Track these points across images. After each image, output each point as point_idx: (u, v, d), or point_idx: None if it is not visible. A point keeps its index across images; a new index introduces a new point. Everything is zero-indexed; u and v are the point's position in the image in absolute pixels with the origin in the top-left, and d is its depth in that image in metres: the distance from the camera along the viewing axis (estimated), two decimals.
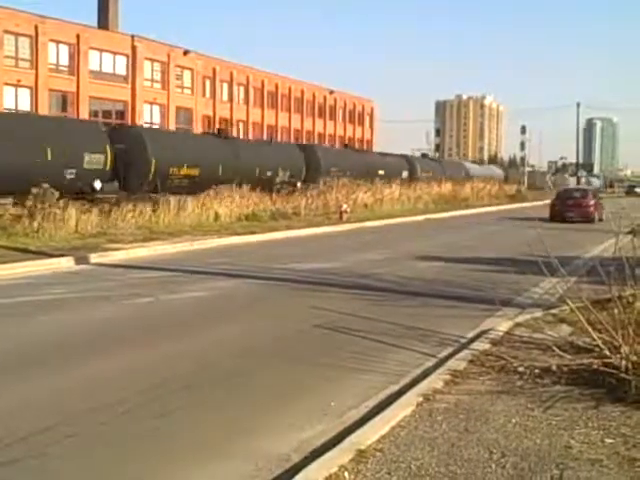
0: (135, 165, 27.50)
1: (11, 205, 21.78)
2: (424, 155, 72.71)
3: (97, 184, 25.91)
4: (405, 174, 52.89)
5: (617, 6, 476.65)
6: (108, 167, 26.65)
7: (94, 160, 26.17)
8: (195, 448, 5.72)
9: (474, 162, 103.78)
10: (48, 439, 5.74)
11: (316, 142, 71.35)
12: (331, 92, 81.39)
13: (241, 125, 66.42)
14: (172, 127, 53.40)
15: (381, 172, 47.53)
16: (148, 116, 54.09)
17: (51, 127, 26.86)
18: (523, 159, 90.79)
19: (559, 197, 37.52)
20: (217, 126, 55.11)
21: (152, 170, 27.94)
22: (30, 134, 24.33)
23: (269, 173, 35.54)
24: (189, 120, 58.09)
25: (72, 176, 25.11)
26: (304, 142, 66.83)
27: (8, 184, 21.91)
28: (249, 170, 33.21)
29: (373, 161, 49.85)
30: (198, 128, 57.48)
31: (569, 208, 35.12)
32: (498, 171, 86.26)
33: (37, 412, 6.42)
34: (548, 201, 58.15)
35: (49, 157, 24.21)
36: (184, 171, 29.82)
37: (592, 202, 35.54)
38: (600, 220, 32.36)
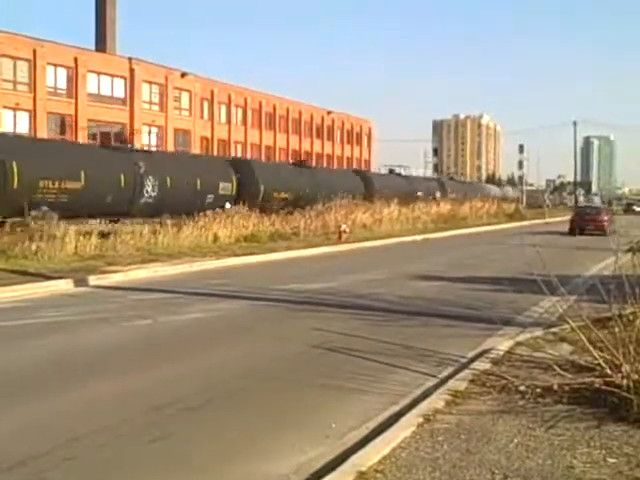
0: (248, 190, 36.28)
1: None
2: (451, 178, 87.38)
3: (227, 205, 33.27)
4: (438, 194, 59.72)
5: (613, 24, 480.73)
6: (234, 192, 35.76)
7: (225, 187, 35.42)
8: (194, 470, 5.68)
9: (493, 183, 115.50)
10: (47, 463, 5.70)
11: (314, 163, 71.75)
12: (329, 112, 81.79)
13: (239, 147, 66.64)
14: (170, 149, 53.56)
15: (420, 193, 54.02)
16: (146, 138, 54.23)
17: (199, 163, 36.92)
18: (521, 178, 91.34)
19: (578, 214, 43.51)
20: (219, 145, 55.12)
21: (261, 194, 36.75)
22: (189, 169, 33.59)
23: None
24: (187, 142, 58.22)
25: (210, 200, 33.27)
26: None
27: (175, 209, 29.55)
28: (325, 193, 40.22)
29: (414, 183, 57.56)
30: (196, 150, 57.64)
31: (586, 223, 40.72)
32: (512, 191, 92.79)
33: (37, 435, 6.39)
34: (549, 219, 58.82)
35: (199, 187, 32.99)
36: (281, 195, 38.17)
37: (606, 217, 41.35)
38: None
